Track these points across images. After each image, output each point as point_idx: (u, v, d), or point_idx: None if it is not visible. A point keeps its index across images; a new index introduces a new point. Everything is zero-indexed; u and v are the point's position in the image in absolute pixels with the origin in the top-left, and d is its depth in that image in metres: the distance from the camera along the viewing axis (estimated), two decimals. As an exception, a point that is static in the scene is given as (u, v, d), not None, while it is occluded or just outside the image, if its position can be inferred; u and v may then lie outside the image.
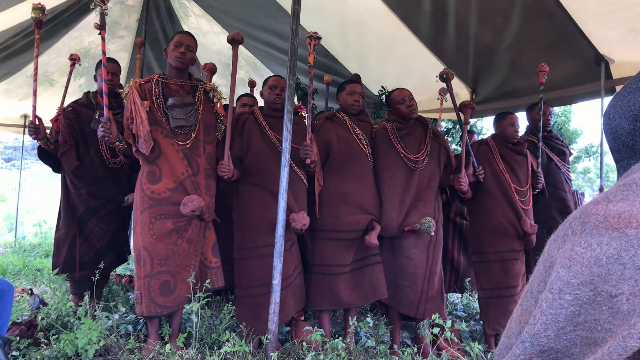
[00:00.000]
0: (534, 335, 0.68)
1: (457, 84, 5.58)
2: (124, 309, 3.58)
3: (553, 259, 0.71)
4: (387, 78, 5.98)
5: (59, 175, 3.86)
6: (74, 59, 4.13)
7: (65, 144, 3.60)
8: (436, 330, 2.97)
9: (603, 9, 3.69)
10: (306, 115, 3.33)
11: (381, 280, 3.42)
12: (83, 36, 6.05)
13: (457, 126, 9.73)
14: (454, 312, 4.73)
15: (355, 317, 3.38)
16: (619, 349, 0.57)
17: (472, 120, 7.63)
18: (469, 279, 4.41)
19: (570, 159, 4.42)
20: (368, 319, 3.25)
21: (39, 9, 3.30)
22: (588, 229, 0.66)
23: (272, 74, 5.64)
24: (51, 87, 6.49)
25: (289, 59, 2.98)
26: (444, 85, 3.78)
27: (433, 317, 2.96)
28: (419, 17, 4.73)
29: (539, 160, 3.88)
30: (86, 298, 3.30)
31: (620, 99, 0.81)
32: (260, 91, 3.55)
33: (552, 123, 4.29)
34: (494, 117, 4.09)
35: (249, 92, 4.94)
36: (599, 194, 0.71)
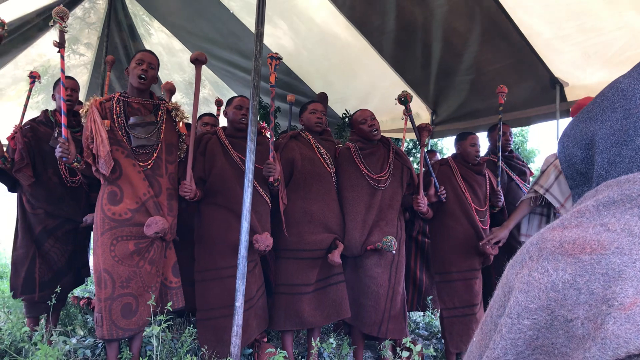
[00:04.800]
0: (494, 360, 0.68)
1: (418, 104, 5.67)
2: (82, 333, 3.48)
3: (512, 284, 0.72)
4: (351, 98, 6.04)
5: (12, 194, 3.76)
6: (34, 77, 4.01)
7: (22, 160, 3.50)
8: (405, 354, 2.97)
9: (558, 34, 3.82)
10: (269, 134, 3.34)
11: (344, 299, 3.41)
12: (42, 52, 5.94)
13: (418, 146, 9.90)
14: (416, 330, 4.74)
15: (318, 338, 3.37)
16: (575, 373, 0.58)
17: (433, 140, 7.74)
18: (430, 297, 4.44)
19: (530, 178, 4.53)
20: (331, 340, 3.24)
21: None
22: (545, 254, 0.68)
23: (235, 94, 5.64)
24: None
25: (252, 79, 2.98)
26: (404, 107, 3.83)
27: (404, 340, 2.96)
28: (383, 35, 4.81)
29: (499, 179, 3.95)
30: (42, 322, 3.19)
31: (573, 128, 0.84)
32: (224, 111, 3.54)
33: (511, 143, 4.39)
34: (454, 137, 4.16)
35: (215, 110, 4.92)
36: (555, 221, 0.73)
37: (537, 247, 0.71)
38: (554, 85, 4.33)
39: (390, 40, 4.86)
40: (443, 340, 3.88)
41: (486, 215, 3.82)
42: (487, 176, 3.94)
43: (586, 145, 0.82)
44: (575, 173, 0.85)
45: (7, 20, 3.20)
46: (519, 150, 14.04)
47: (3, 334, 3.16)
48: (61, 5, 3.03)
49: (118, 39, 6.54)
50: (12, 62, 5.80)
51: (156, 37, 6.55)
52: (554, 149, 3.87)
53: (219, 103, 5.00)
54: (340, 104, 6.19)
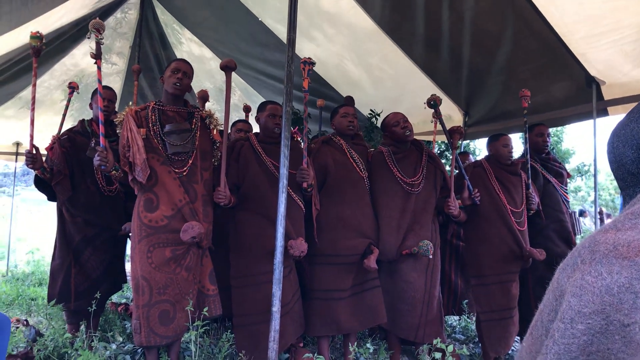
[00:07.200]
0: (547, 365, 0.67)
1: (449, 106, 5.62)
2: (121, 339, 3.53)
3: (563, 288, 0.71)
4: (381, 102, 6.02)
5: (49, 202, 3.84)
6: (73, 87, 4.08)
7: (60, 173, 3.57)
8: (438, 354, 2.94)
9: (593, 32, 3.74)
10: (302, 139, 3.34)
11: (380, 304, 3.40)
12: (76, 62, 6.07)
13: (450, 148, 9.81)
14: (453, 334, 4.70)
15: (355, 343, 3.35)
16: (634, 379, 0.57)
17: (465, 142, 7.66)
18: (466, 301, 4.39)
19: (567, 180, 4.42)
20: (368, 345, 3.22)
21: (37, 37, 3.16)
22: (598, 257, 0.66)
23: (266, 99, 5.69)
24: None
25: (285, 85, 2.98)
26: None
27: (435, 341, 2.93)
28: (413, 39, 4.79)
29: (529, 181, 3.87)
30: (82, 328, 3.25)
31: (623, 127, 0.82)
32: (256, 117, 3.54)
33: (549, 144, 4.30)
34: (487, 138, 4.11)
35: (244, 117, 4.94)
36: (607, 223, 0.71)
37: (589, 250, 0.70)
38: (590, 84, 4.23)
39: (420, 44, 4.83)
40: (480, 344, 3.83)
41: (522, 216, 3.75)
42: (522, 177, 3.88)
43: (638, 145, 0.80)
44: (627, 174, 0.83)
45: (44, 32, 3.27)
46: (554, 150, 13.82)
47: (46, 340, 3.23)
48: (97, 17, 3.09)
49: (149, 48, 6.64)
50: (47, 75, 5.94)
51: (187, 45, 6.63)
52: (590, 148, 3.78)
53: (247, 109, 5.03)
54: (370, 108, 6.16)
